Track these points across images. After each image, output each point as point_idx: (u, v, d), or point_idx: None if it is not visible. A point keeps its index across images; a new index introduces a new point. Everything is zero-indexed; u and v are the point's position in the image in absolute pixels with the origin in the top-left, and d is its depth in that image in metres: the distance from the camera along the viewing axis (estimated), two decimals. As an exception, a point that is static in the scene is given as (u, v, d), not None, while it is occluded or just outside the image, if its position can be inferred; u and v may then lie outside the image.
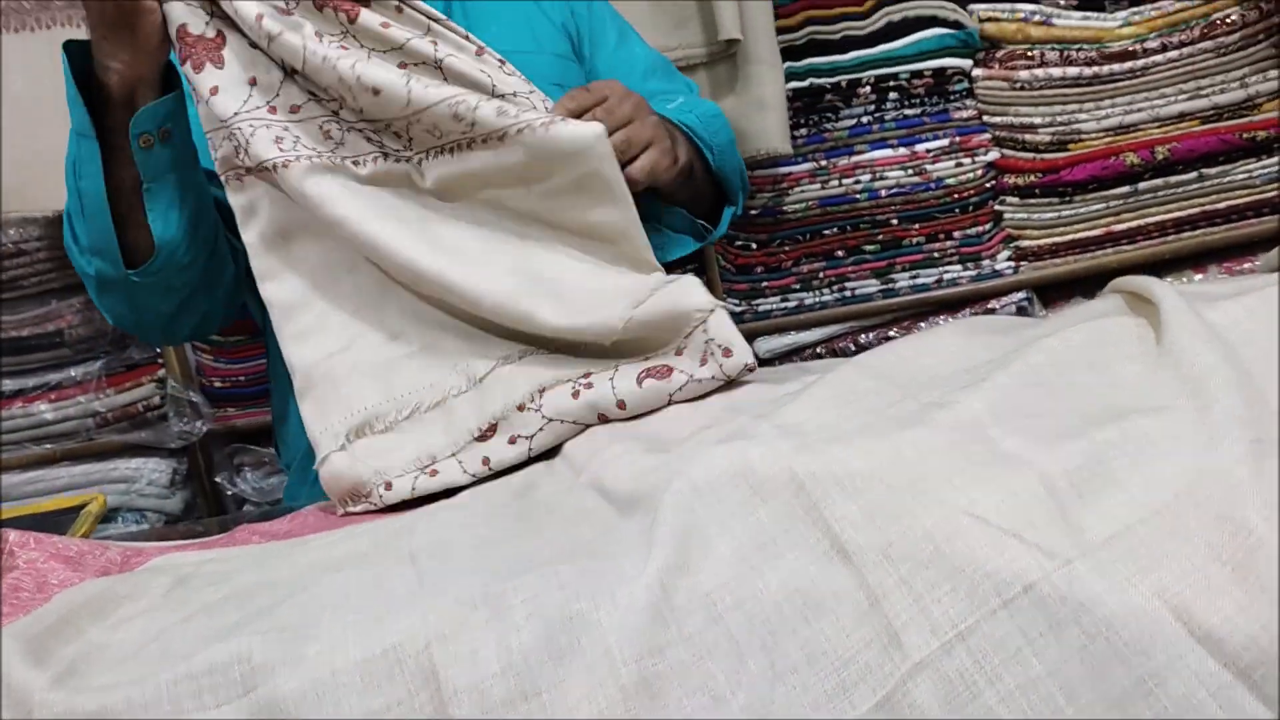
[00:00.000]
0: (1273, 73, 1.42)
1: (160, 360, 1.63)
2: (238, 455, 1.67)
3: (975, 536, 0.51)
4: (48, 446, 1.64)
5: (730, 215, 1.13)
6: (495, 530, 0.67)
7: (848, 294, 1.57)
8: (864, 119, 1.51)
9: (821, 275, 1.57)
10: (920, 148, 1.51)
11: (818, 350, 1.58)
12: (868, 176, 1.52)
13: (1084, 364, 0.62)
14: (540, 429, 0.80)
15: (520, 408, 0.80)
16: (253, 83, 0.85)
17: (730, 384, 0.80)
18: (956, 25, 1.46)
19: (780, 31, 1.48)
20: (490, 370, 0.83)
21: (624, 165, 0.85)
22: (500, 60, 0.86)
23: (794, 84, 1.49)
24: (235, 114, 0.84)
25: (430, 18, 0.86)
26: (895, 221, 1.53)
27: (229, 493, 1.66)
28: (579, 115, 0.84)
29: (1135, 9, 1.45)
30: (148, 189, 0.92)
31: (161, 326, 1.05)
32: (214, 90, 0.84)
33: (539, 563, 0.57)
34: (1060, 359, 0.62)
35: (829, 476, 0.55)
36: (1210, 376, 0.55)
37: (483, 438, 0.81)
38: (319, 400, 0.85)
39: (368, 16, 0.83)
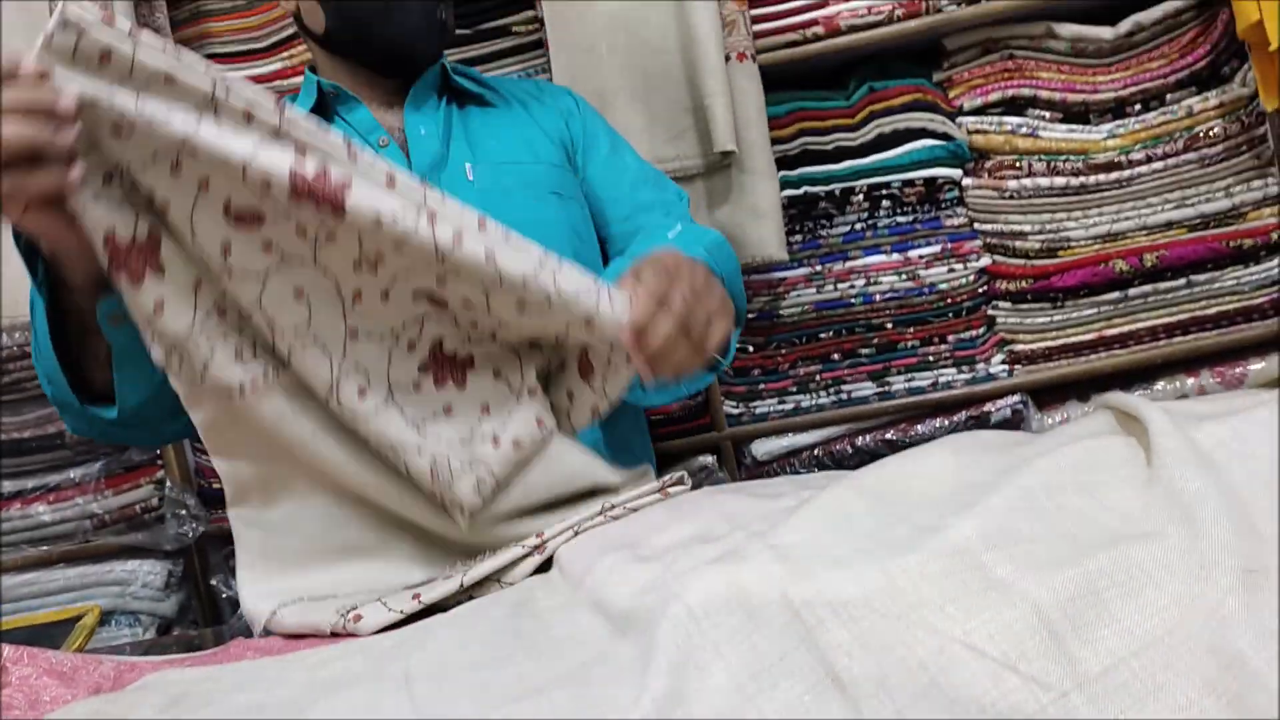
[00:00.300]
0: (1256, 182, 1.45)
1: (159, 462, 1.63)
2: (234, 558, 1.66)
3: (971, 668, 0.51)
4: (44, 548, 1.63)
5: (735, 337, 1.14)
6: (491, 650, 0.67)
7: (844, 396, 1.58)
8: (858, 225, 1.54)
9: (818, 378, 1.58)
10: (913, 253, 1.53)
11: (815, 452, 1.58)
12: (862, 281, 1.54)
13: (1075, 487, 0.63)
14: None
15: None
16: (197, 285, 0.78)
17: (724, 493, 0.81)
18: (946, 137, 1.50)
19: (775, 141, 1.52)
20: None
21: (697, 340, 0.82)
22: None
23: (789, 192, 1.52)
24: (189, 332, 0.77)
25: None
26: (890, 325, 1.55)
27: (224, 595, 1.64)
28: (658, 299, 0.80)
29: (1119, 122, 1.49)
30: (117, 361, 0.89)
31: (125, 443, 1.04)
32: (159, 306, 0.76)
33: (534, 688, 0.57)
34: (1051, 481, 0.63)
35: (823, 603, 0.55)
36: (1200, 504, 0.55)
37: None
38: (261, 577, 0.87)
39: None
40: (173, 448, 1.63)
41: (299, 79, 1.58)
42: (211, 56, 1.61)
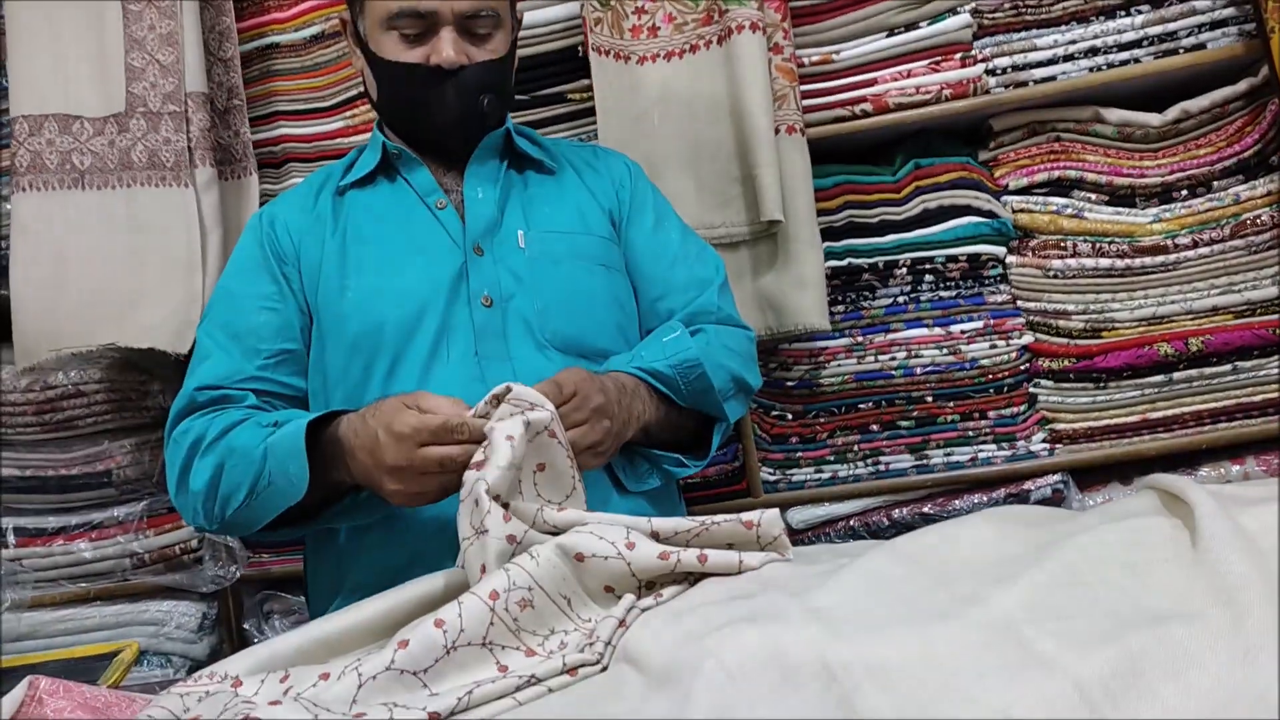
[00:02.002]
0: (1304, 271, 1.45)
1: (201, 504, 1.66)
2: (267, 602, 1.67)
3: (1010, 742, 0.50)
4: (83, 585, 1.65)
5: (723, 430, 1.18)
6: (527, 705, 0.67)
7: (882, 468, 1.58)
8: (900, 298, 1.55)
9: (856, 448, 1.58)
10: (955, 328, 1.54)
11: (851, 523, 1.58)
12: (903, 354, 1.55)
13: (1119, 564, 0.62)
14: None
15: None
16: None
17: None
18: (990, 214, 1.52)
19: (820, 213, 1.54)
20: None
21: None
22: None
23: (833, 263, 1.54)
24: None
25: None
26: (930, 399, 1.55)
27: (255, 640, 1.65)
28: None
29: (1165, 206, 1.50)
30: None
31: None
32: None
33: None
34: (1094, 557, 0.63)
35: (861, 667, 0.55)
36: (1244, 588, 0.55)
37: None
38: None
39: None
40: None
41: (358, 137, 1.63)
42: (277, 114, 1.67)
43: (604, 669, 0.67)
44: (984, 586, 0.61)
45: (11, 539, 1.64)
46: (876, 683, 0.54)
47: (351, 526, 1.11)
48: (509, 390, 0.89)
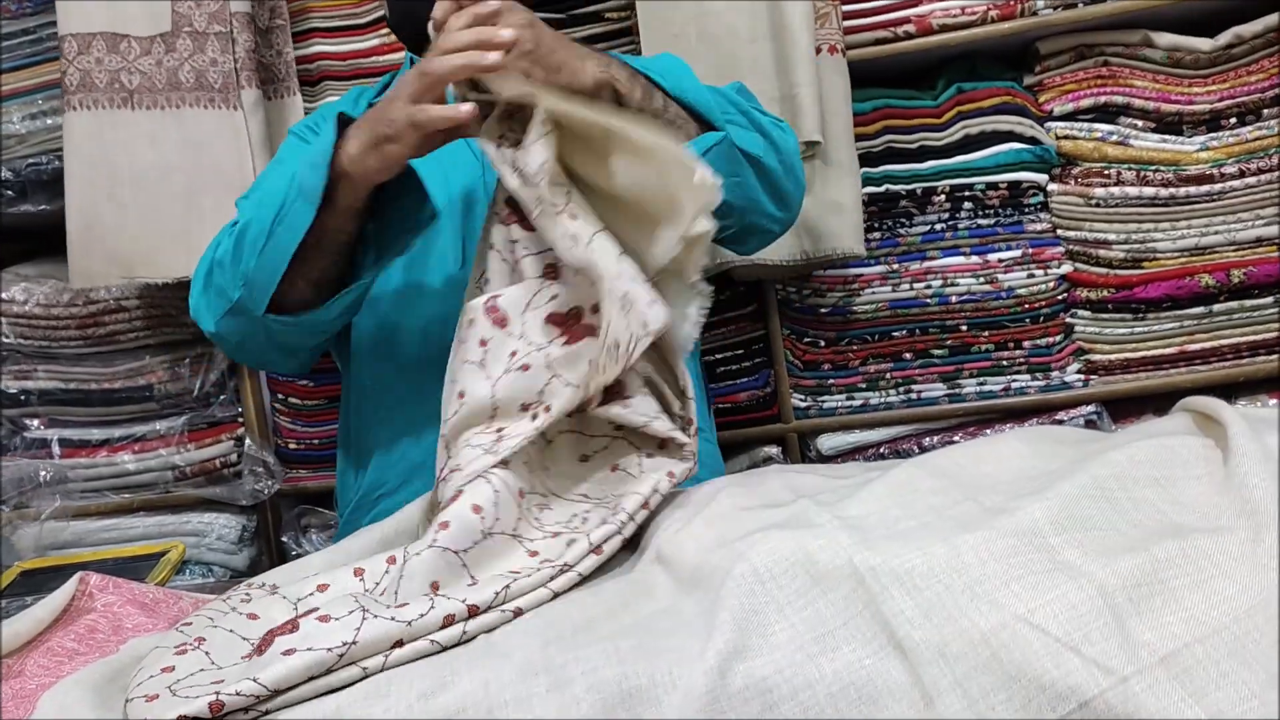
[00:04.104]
0: (1353, 202, 1.42)
1: (241, 419, 1.69)
2: (305, 516, 1.71)
3: (1033, 645, 0.51)
4: (126, 496, 1.70)
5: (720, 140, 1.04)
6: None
7: (914, 396, 1.57)
8: (937, 226, 1.54)
9: (888, 376, 1.58)
10: (993, 257, 1.52)
11: (881, 450, 1.58)
12: (939, 282, 1.54)
13: (1148, 480, 0.63)
14: None
15: None
16: None
17: (790, 471, 0.81)
18: (1034, 141, 1.49)
19: (859, 138, 1.51)
20: None
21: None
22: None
23: (870, 189, 1.52)
24: None
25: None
26: (965, 328, 1.54)
27: (293, 553, 1.70)
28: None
29: (1213, 134, 1.47)
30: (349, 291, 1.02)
31: (263, 363, 1.10)
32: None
33: (601, 634, 0.59)
34: (1125, 473, 0.63)
35: (888, 572, 0.56)
36: (1266, 504, 0.55)
37: None
38: None
39: None
40: (254, 407, 1.68)
41: (394, 55, 1.62)
42: (312, 31, 1.66)
43: (626, 541, 0.69)
44: (1013, 498, 0.62)
45: (57, 449, 1.69)
46: (903, 587, 0.55)
47: (374, 425, 1.12)
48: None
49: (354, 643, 0.60)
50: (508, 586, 0.65)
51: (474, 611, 0.64)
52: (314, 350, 1.16)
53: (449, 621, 0.63)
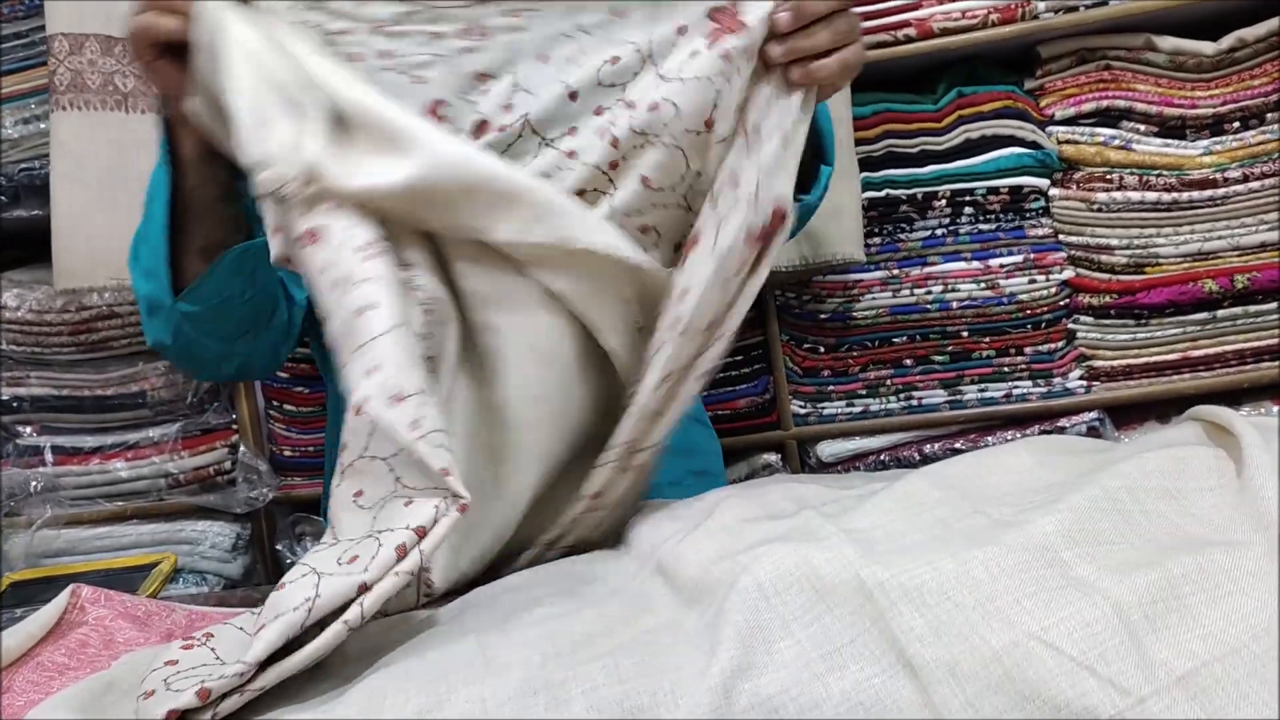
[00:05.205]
0: (1357, 207, 1.41)
1: (235, 426, 1.68)
2: (299, 524, 1.70)
3: (1047, 665, 0.50)
4: (119, 503, 1.68)
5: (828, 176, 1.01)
6: (559, 609, 0.66)
7: (914, 403, 1.56)
8: (938, 231, 1.53)
9: (889, 383, 1.57)
10: (994, 262, 1.51)
11: (881, 458, 1.57)
12: (939, 287, 1.53)
13: (1160, 492, 0.61)
14: None
15: None
16: None
17: (792, 480, 0.80)
18: (1035, 145, 1.48)
19: (858, 143, 1.51)
20: None
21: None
22: None
23: (870, 193, 1.51)
24: None
25: None
26: (965, 334, 1.53)
27: (288, 561, 1.68)
28: None
29: (1216, 139, 1.46)
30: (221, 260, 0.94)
31: (205, 364, 1.07)
32: None
33: (601, 649, 0.57)
34: (1136, 485, 0.62)
35: (897, 587, 0.55)
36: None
37: None
38: None
39: None
40: (248, 414, 1.67)
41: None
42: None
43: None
44: (1022, 511, 0.60)
45: (49, 457, 1.67)
46: (912, 603, 0.54)
47: None
48: None
49: (317, 596, 0.61)
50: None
51: (421, 533, 0.65)
52: (255, 343, 1.07)
53: (401, 552, 0.64)
